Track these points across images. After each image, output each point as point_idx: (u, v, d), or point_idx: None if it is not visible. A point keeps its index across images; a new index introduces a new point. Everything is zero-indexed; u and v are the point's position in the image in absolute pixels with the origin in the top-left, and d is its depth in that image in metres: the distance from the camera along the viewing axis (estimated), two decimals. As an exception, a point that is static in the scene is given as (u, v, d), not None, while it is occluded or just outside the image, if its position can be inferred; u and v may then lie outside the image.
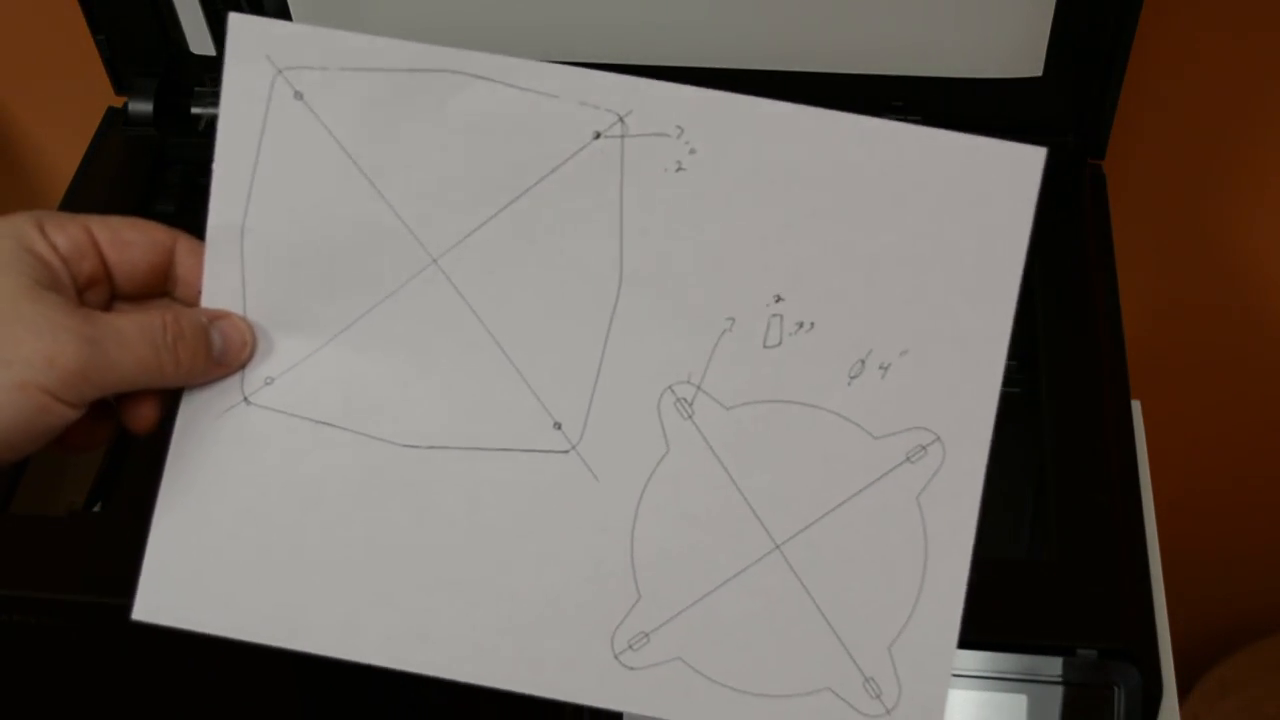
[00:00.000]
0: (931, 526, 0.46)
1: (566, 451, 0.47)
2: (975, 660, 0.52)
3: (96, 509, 0.63)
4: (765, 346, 0.46)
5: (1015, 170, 0.46)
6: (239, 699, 0.57)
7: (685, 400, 0.47)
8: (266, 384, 0.48)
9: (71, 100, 0.88)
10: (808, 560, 0.47)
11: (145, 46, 0.72)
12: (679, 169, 0.46)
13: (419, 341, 0.48)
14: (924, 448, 0.46)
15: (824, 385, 0.46)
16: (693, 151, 0.46)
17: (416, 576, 0.48)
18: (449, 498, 0.48)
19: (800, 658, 0.47)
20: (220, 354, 0.47)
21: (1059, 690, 0.51)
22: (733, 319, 0.47)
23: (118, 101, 0.76)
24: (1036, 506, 0.60)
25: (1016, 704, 0.52)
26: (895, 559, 0.46)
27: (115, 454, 0.64)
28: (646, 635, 0.47)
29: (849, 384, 0.46)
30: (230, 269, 0.48)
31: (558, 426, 0.47)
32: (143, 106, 0.74)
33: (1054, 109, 0.71)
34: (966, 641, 0.52)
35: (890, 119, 0.46)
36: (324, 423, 0.48)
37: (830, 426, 0.47)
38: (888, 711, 0.47)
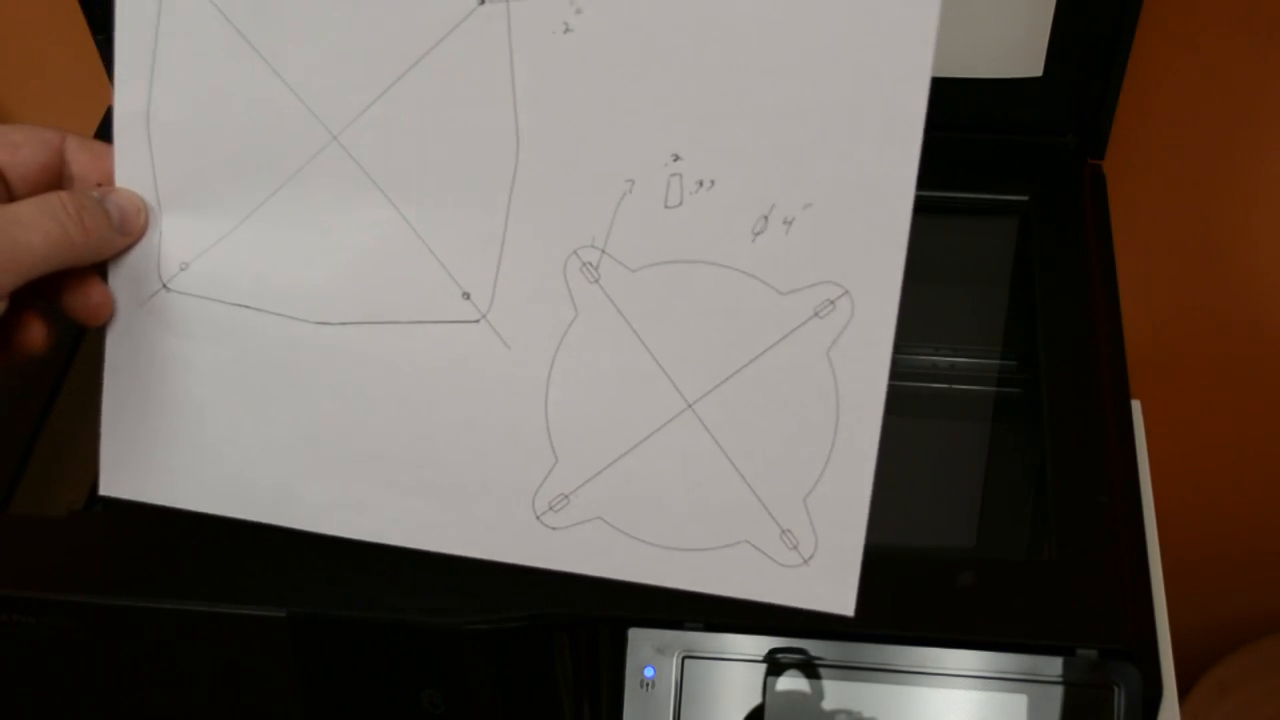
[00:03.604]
0: (843, 380, 0.46)
1: (477, 321, 0.48)
2: (975, 660, 0.52)
3: (97, 509, 0.63)
4: (666, 207, 0.46)
5: (911, 8, 0.43)
6: (239, 699, 0.57)
7: (591, 264, 0.47)
8: (182, 269, 0.49)
9: (71, 100, 0.88)
10: (720, 418, 0.47)
11: (145, 46, 0.72)
12: (566, 30, 0.46)
13: (325, 219, 0.48)
14: (832, 302, 0.46)
15: (728, 243, 0.46)
16: (579, 11, 0.45)
17: (343, 448, 0.49)
18: (365, 371, 0.49)
19: (717, 512, 0.48)
20: (120, 223, 0.48)
21: (1059, 690, 0.51)
22: (632, 180, 0.46)
23: (118, 101, 0.75)
24: (1036, 506, 0.60)
25: (1016, 704, 0.52)
26: (807, 413, 0.46)
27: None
28: (566, 497, 0.48)
29: (753, 240, 0.46)
30: (140, 156, 0.49)
31: (466, 296, 0.48)
32: (143, 106, 0.74)
33: (1054, 109, 0.71)
34: (966, 641, 0.52)
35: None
36: (239, 304, 0.49)
37: (736, 284, 0.46)
38: (805, 561, 0.47)
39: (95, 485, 0.63)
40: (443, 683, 0.54)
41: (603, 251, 0.47)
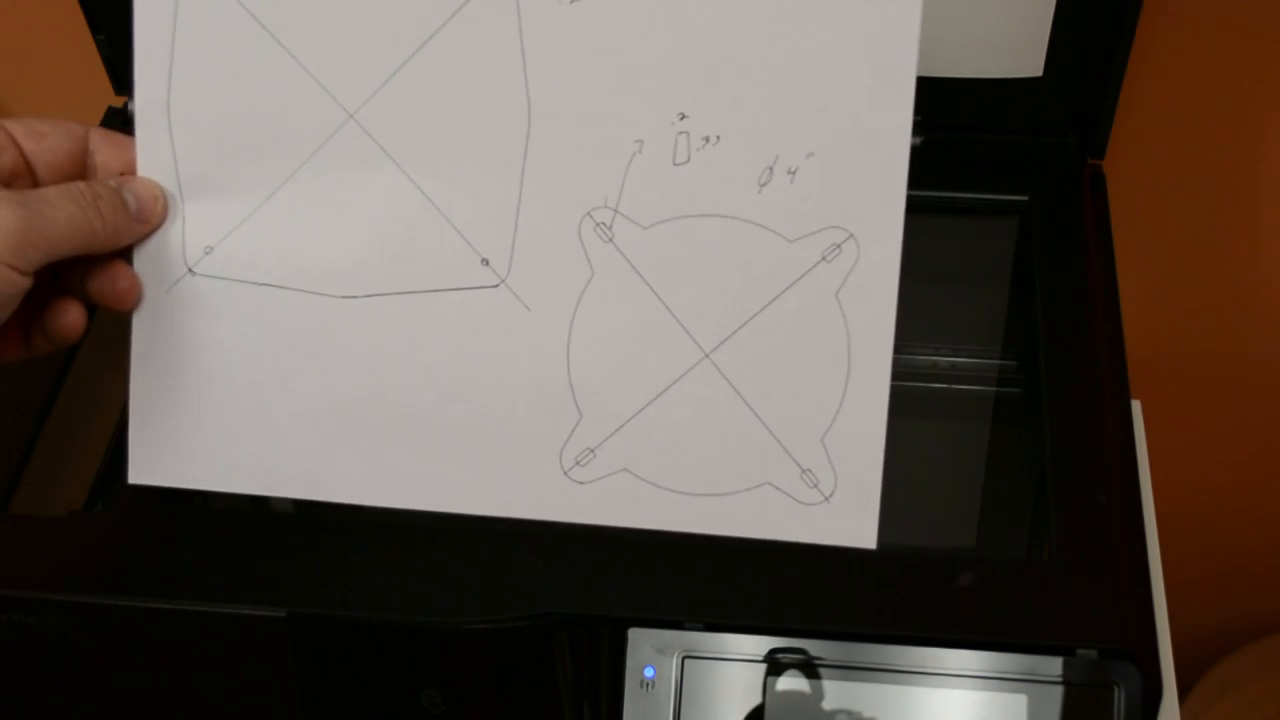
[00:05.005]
0: (852, 321, 0.48)
1: (496, 286, 0.50)
2: (975, 660, 0.52)
3: (97, 509, 0.63)
4: (675, 164, 0.48)
5: None
6: (239, 699, 0.57)
7: (604, 224, 0.49)
8: (206, 253, 0.50)
9: (71, 100, 0.88)
10: (737, 365, 0.49)
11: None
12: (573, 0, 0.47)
13: (345, 195, 0.50)
14: (838, 246, 0.48)
15: (735, 195, 0.48)
16: None
17: (373, 418, 0.51)
18: (391, 341, 0.50)
19: (739, 457, 0.50)
20: (137, 211, 0.49)
21: (1059, 690, 0.51)
22: (641, 140, 0.48)
23: (118, 101, 0.75)
24: (1036, 506, 0.60)
25: (1016, 704, 0.52)
26: (820, 356, 0.49)
27: (116, 454, 0.64)
28: (592, 451, 0.50)
29: (759, 191, 0.48)
30: (160, 143, 0.50)
31: (485, 263, 0.50)
32: (143, 106, 0.74)
33: (1054, 109, 0.71)
34: (966, 641, 0.52)
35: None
36: (264, 284, 0.51)
37: (746, 234, 0.48)
38: (826, 499, 0.49)
39: (95, 485, 0.63)
40: (442, 683, 0.54)
41: (615, 211, 0.48)
